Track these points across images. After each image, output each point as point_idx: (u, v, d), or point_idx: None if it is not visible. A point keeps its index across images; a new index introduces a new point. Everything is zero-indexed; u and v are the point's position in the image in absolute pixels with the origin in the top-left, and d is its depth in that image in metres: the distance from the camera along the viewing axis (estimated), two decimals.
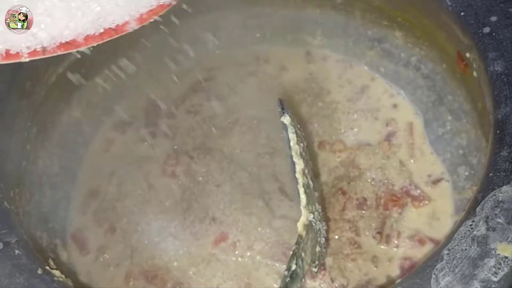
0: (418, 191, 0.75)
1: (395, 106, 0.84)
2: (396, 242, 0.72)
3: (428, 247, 0.71)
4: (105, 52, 0.82)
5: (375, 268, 0.70)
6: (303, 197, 0.53)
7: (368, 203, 0.74)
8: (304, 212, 0.52)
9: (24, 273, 0.51)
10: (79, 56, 0.75)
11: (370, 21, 0.84)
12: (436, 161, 0.78)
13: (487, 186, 0.49)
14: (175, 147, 0.84)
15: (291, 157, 0.54)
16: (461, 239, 0.45)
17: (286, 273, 0.49)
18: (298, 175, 0.53)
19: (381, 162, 0.77)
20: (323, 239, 0.61)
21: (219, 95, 0.89)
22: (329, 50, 0.91)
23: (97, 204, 0.80)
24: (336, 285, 0.68)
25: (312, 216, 0.53)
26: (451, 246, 0.45)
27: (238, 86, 0.90)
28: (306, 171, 0.54)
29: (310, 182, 0.55)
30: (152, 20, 0.56)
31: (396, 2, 0.76)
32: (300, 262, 0.50)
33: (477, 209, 0.47)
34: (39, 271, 0.52)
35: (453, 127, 0.77)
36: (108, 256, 0.74)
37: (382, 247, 0.72)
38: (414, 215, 0.74)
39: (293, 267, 0.49)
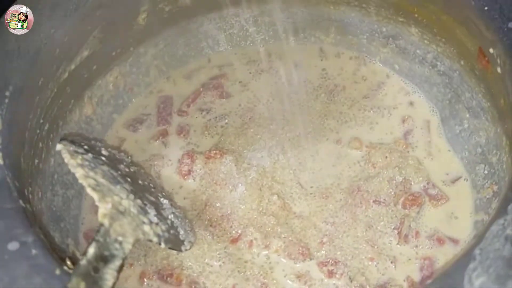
0: (436, 190, 0.74)
1: (411, 103, 0.83)
2: (415, 241, 0.71)
3: (447, 247, 0.70)
4: (116, 49, 0.82)
5: (394, 268, 0.69)
6: (93, 194, 0.58)
7: (385, 202, 0.73)
8: (100, 205, 0.58)
9: (42, 274, 0.50)
10: (90, 52, 0.75)
11: (385, 18, 0.83)
12: (454, 159, 0.77)
13: None
14: (189, 145, 0.83)
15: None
16: (494, 238, 0.44)
17: (83, 257, 0.54)
18: (81, 181, 0.59)
19: (398, 160, 0.76)
20: (155, 218, 0.63)
21: (231, 93, 0.88)
22: (343, 47, 0.90)
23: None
24: (355, 285, 0.67)
25: (110, 205, 0.58)
26: (483, 245, 0.44)
27: (250, 83, 0.89)
28: (89, 174, 0.60)
29: (101, 180, 0.61)
30: None
31: None
32: (104, 247, 0.56)
33: (509, 207, 0.46)
34: (57, 272, 0.51)
35: (470, 125, 0.76)
36: None
37: (400, 246, 0.71)
38: (433, 214, 0.73)
39: (91, 250, 0.54)
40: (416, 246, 0.71)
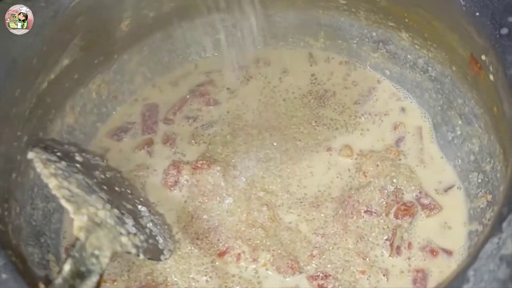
0: (429, 199, 0.72)
1: (403, 109, 0.81)
2: (407, 253, 0.69)
3: (441, 259, 0.68)
4: (99, 56, 0.79)
5: (387, 281, 0.67)
6: (68, 206, 0.56)
7: (377, 212, 0.71)
8: (75, 217, 0.56)
9: None
10: (71, 61, 0.73)
11: (375, 22, 0.81)
12: (446, 167, 0.75)
13: None
14: (175, 155, 0.80)
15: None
16: (488, 259, 0.42)
17: (58, 275, 0.53)
18: (54, 192, 0.57)
19: (389, 169, 0.74)
20: (133, 228, 0.61)
21: (218, 100, 0.85)
22: (332, 52, 0.88)
23: None
24: None
25: (85, 217, 0.56)
26: (477, 266, 0.42)
27: (238, 90, 0.87)
28: (63, 184, 0.58)
29: (76, 190, 0.58)
30: None
31: (404, 3, 0.73)
32: (80, 262, 0.54)
33: (503, 224, 0.44)
34: None
35: (463, 132, 0.74)
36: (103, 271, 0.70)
37: (393, 258, 0.69)
38: (425, 225, 0.71)
39: (67, 267, 0.53)
40: (409, 258, 0.69)
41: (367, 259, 0.69)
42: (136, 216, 0.65)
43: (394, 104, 0.82)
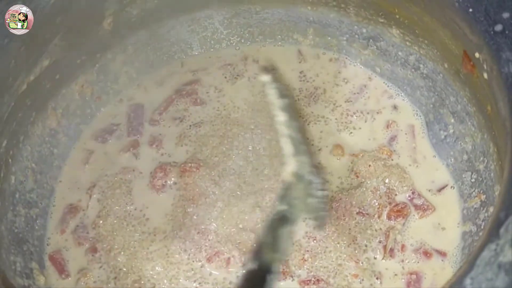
0: (422, 200, 0.71)
1: (395, 107, 0.79)
2: (401, 256, 0.67)
3: (435, 260, 0.67)
4: (81, 56, 0.77)
5: (380, 284, 0.66)
6: (287, 147, 0.55)
7: (369, 214, 0.70)
8: (290, 161, 0.55)
9: None
10: (52, 61, 0.70)
11: (365, 18, 0.79)
12: (439, 166, 0.74)
13: (511, 203, 0.44)
14: (162, 157, 0.78)
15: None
16: (486, 266, 0.41)
17: (273, 214, 0.53)
18: (280, 126, 0.56)
19: (382, 169, 0.73)
20: (320, 192, 0.59)
21: (205, 99, 0.83)
22: (322, 49, 0.86)
23: (77, 222, 0.74)
24: None
25: (298, 166, 0.56)
26: (474, 274, 0.41)
27: (226, 89, 0.84)
28: (290, 124, 0.57)
29: (297, 137, 0.57)
30: None
31: None
32: (289, 207, 0.54)
33: (501, 230, 0.42)
34: None
35: (456, 130, 0.73)
36: (89, 279, 0.68)
37: (386, 261, 0.67)
38: (419, 226, 0.70)
39: (281, 207, 0.53)
40: (402, 261, 0.67)
41: (360, 262, 0.67)
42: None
43: (386, 102, 0.80)
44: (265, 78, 0.58)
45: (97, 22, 0.75)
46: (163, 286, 0.67)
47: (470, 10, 0.57)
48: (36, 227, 0.72)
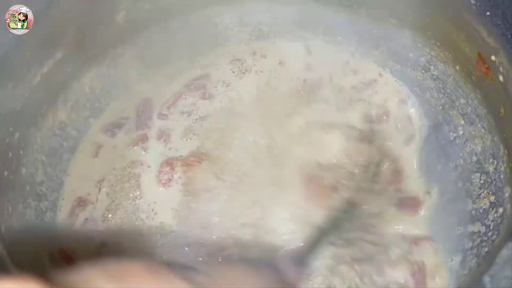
0: None
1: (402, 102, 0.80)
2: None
3: None
4: (93, 49, 0.76)
5: None
6: None
7: None
8: None
9: None
10: (65, 54, 0.70)
11: (376, 19, 0.80)
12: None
13: None
14: (169, 151, 0.78)
15: None
16: (505, 264, 0.41)
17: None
18: None
19: None
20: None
21: (214, 94, 0.83)
22: (331, 48, 0.86)
23: (86, 215, 0.74)
24: None
25: None
26: (493, 272, 0.41)
27: (234, 83, 0.84)
28: None
29: None
30: None
31: (410, 1, 0.71)
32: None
33: None
34: None
35: (465, 132, 0.73)
36: None
37: None
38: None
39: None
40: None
41: None
42: None
43: (394, 100, 0.81)
44: None
45: (110, 15, 0.75)
46: None
47: (488, 13, 0.57)
48: (46, 220, 0.72)
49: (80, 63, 0.76)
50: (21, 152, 0.68)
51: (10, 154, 0.64)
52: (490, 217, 0.66)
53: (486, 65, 0.61)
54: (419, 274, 0.67)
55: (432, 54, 0.76)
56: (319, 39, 0.86)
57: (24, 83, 0.65)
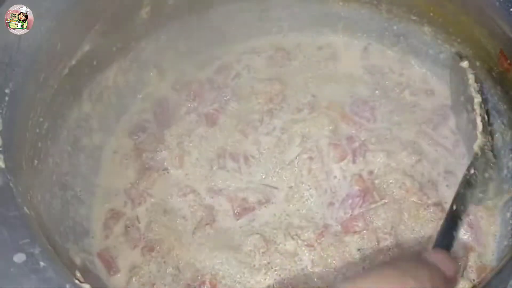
0: None
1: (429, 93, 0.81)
2: None
3: None
4: (117, 43, 0.78)
5: None
6: (479, 124, 0.67)
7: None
8: (479, 136, 0.67)
9: None
10: (91, 47, 0.71)
11: (396, 16, 0.81)
12: None
13: None
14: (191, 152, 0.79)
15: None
16: None
17: (462, 179, 0.64)
18: (476, 107, 0.68)
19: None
20: (492, 171, 0.68)
21: (238, 93, 0.84)
22: (350, 43, 0.87)
23: (113, 205, 0.75)
24: None
25: (485, 142, 0.67)
26: None
27: (254, 79, 0.86)
28: (483, 105, 0.69)
29: (486, 117, 0.68)
30: None
31: None
32: (474, 175, 0.65)
33: None
34: (68, 286, 0.47)
35: None
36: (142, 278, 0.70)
37: None
38: None
39: (471, 170, 0.64)
40: None
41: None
42: None
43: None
44: (465, 64, 0.70)
45: (136, 10, 0.76)
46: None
47: (511, 9, 0.58)
48: (70, 209, 0.73)
49: (105, 57, 0.77)
50: (49, 142, 0.69)
51: (40, 144, 0.65)
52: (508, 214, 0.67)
53: (509, 61, 0.62)
54: None
55: (453, 50, 0.76)
56: (338, 34, 0.87)
57: (54, 74, 0.66)
